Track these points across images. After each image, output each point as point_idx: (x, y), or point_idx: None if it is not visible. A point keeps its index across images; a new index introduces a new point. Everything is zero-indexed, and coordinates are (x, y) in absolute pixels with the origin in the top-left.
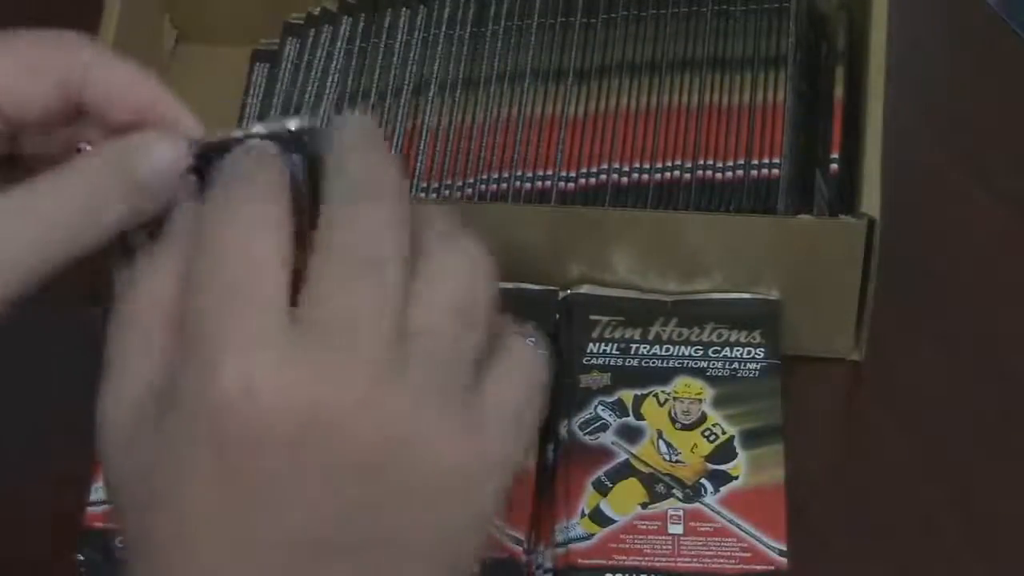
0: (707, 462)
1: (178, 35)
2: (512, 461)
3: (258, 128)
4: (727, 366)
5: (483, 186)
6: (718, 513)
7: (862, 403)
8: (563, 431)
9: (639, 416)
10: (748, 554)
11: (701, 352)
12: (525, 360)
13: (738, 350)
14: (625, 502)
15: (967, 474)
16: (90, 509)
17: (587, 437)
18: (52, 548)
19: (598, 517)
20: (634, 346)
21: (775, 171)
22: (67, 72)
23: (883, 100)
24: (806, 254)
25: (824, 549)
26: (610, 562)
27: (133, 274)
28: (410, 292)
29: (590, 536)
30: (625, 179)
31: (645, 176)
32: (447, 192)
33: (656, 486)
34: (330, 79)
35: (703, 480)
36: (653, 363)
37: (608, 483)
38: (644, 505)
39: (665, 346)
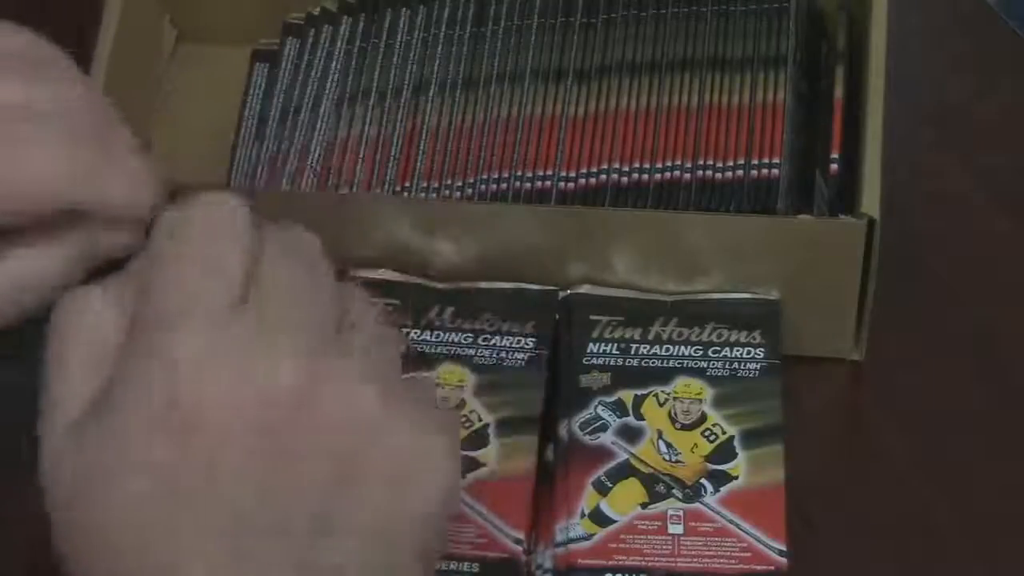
0: (707, 462)
1: (178, 35)
2: (457, 454)
3: None
4: (727, 366)
5: (483, 186)
6: (718, 513)
7: (862, 403)
8: (563, 431)
9: (639, 416)
10: (748, 554)
11: (701, 352)
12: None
13: (738, 350)
14: (625, 502)
15: (967, 474)
16: None
17: (587, 437)
18: None
19: (598, 517)
20: (634, 346)
21: (775, 171)
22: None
23: (883, 100)
24: (806, 254)
25: (824, 549)
26: (610, 562)
27: (68, 302)
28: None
29: (590, 536)
30: (625, 179)
31: (645, 176)
32: (447, 192)
33: (656, 486)
34: (330, 79)
35: (703, 480)
36: (653, 363)
37: (608, 483)
38: (644, 505)
39: (665, 346)
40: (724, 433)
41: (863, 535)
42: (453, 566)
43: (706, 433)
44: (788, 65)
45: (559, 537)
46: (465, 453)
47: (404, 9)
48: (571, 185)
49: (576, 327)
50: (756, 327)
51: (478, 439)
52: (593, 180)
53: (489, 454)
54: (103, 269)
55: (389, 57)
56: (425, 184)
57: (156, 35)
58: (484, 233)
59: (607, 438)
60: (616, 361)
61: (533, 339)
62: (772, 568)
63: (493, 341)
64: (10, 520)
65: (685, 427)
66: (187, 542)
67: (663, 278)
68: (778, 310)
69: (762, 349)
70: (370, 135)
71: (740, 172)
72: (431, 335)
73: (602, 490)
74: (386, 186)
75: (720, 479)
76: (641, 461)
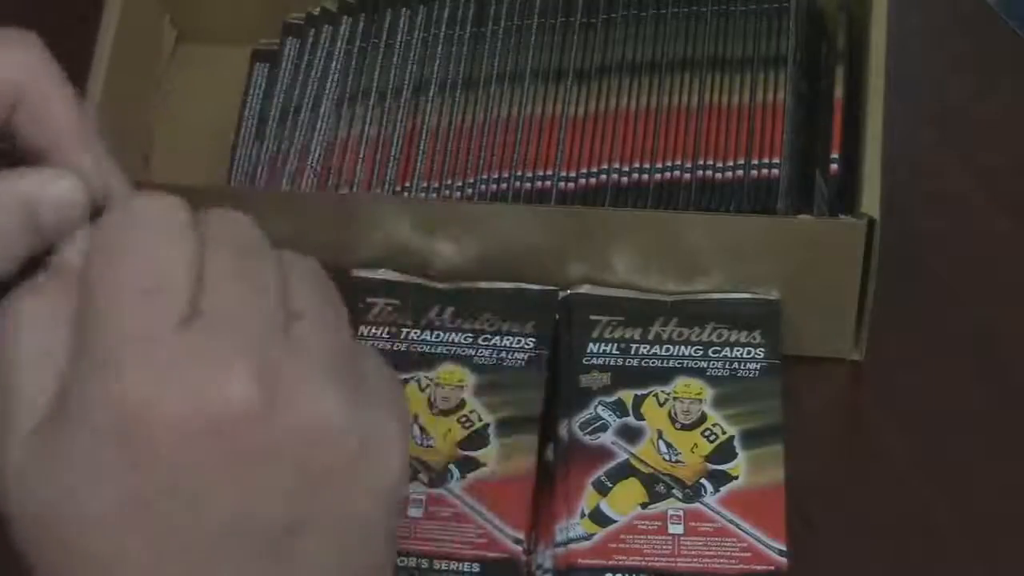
0: (707, 462)
1: (178, 35)
2: (406, 431)
3: None
4: (727, 366)
5: (483, 186)
6: (718, 513)
7: (862, 403)
8: (563, 431)
9: (639, 416)
10: (748, 554)
11: (701, 352)
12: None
13: (738, 350)
14: (625, 502)
15: (967, 474)
16: None
17: (587, 437)
18: None
19: (598, 517)
20: (634, 346)
21: (775, 171)
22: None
23: (883, 100)
24: (806, 254)
25: (824, 549)
26: (610, 562)
27: (13, 310)
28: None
29: (590, 536)
30: (625, 179)
31: (645, 176)
32: (447, 192)
33: (656, 486)
34: (330, 79)
35: (703, 480)
36: (653, 363)
37: (608, 483)
38: (644, 505)
39: (665, 346)
40: (724, 433)
41: (863, 535)
42: (453, 566)
43: (706, 433)
44: (788, 65)
45: (559, 537)
46: (465, 453)
47: (404, 9)
48: (571, 185)
49: (576, 327)
50: (756, 327)
51: (478, 439)
52: (593, 180)
53: (489, 454)
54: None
55: (389, 57)
56: (425, 184)
57: (156, 35)
58: (484, 233)
59: (607, 438)
60: (616, 361)
61: (533, 339)
62: (772, 568)
63: (493, 341)
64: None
65: (685, 427)
66: (152, 558)
67: (663, 278)
68: (778, 310)
69: (762, 349)
70: (370, 135)
71: (740, 172)
72: (431, 335)
73: (602, 490)
74: (386, 186)
75: (720, 479)
76: (641, 461)
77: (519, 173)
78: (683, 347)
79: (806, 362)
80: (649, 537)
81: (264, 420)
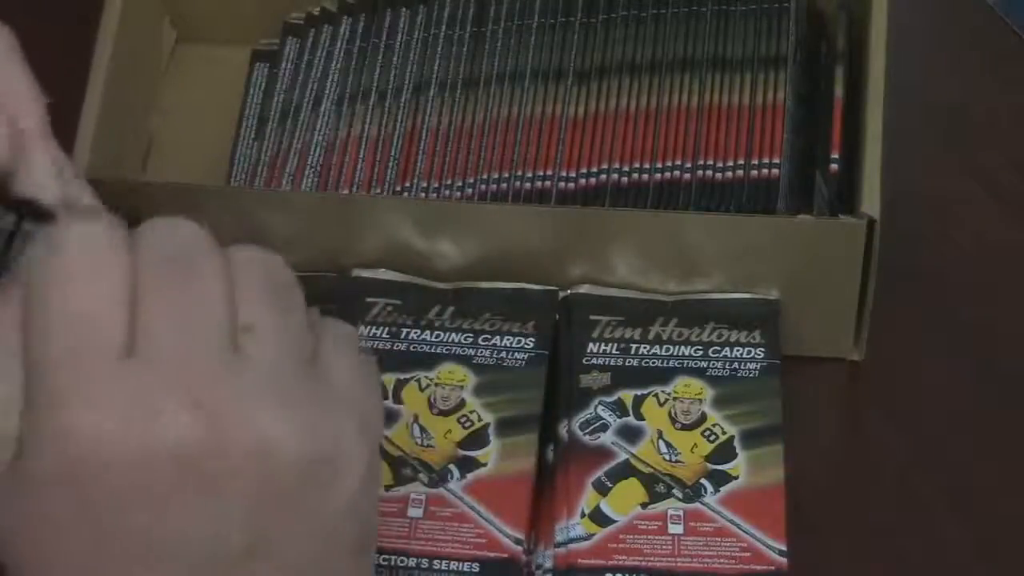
0: (707, 462)
1: (178, 35)
2: (373, 429)
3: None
4: (727, 366)
5: (483, 186)
6: (718, 513)
7: (862, 403)
8: (563, 431)
9: (639, 416)
10: (748, 554)
11: (701, 352)
12: (342, 333)
13: (738, 350)
14: (625, 502)
15: (967, 474)
16: None
17: (587, 437)
18: None
19: (598, 517)
20: (634, 346)
21: (775, 171)
22: None
23: (883, 100)
24: (806, 254)
25: (824, 549)
26: (610, 562)
27: None
28: (231, 290)
29: (590, 536)
30: (625, 179)
31: (645, 176)
32: (447, 192)
33: (656, 486)
34: (330, 79)
35: (703, 480)
36: (653, 363)
37: (608, 483)
38: (644, 505)
39: (665, 346)
40: (724, 433)
41: (863, 535)
42: (453, 566)
43: (706, 433)
44: (788, 65)
45: (559, 537)
46: (465, 453)
47: (404, 9)
48: (571, 185)
49: (576, 327)
50: (756, 327)
51: (478, 439)
52: (593, 180)
53: (489, 454)
54: None
55: (389, 57)
56: (425, 184)
57: (156, 35)
58: (484, 233)
59: (607, 438)
60: (616, 361)
61: (533, 339)
62: (772, 568)
63: (493, 341)
64: None
65: (685, 427)
66: None
67: (663, 278)
68: (778, 310)
69: (762, 349)
70: (370, 135)
71: (740, 172)
72: (431, 335)
73: (602, 490)
74: (386, 186)
75: (720, 479)
76: (641, 461)
77: (519, 173)
78: (683, 347)
79: (806, 362)
80: (649, 537)
81: (208, 449)
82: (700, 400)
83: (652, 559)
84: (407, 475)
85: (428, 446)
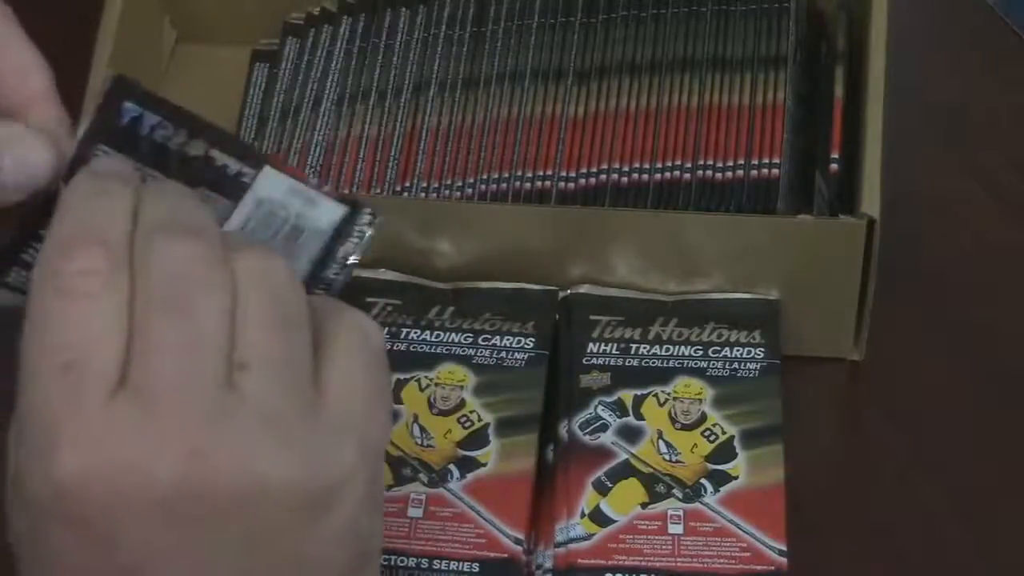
0: (707, 462)
1: (178, 35)
2: (374, 445)
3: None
4: (727, 366)
5: (483, 186)
6: (718, 513)
7: (862, 403)
8: (563, 431)
9: (639, 416)
10: (748, 554)
11: (701, 352)
12: (353, 340)
13: (738, 350)
14: (625, 502)
15: (967, 474)
16: None
17: (587, 437)
18: None
19: (598, 517)
20: (634, 346)
21: (775, 171)
22: None
23: (883, 100)
24: (806, 254)
25: (824, 549)
26: (610, 562)
27: None
28: (231, 319)
29: (590, 536)
30: (625, 179)
31: (645, 176)
32: (447, 192)
33: (656, 486)
34: (330, 79)
35: (703, 480)
36: (653, 363)
37: (608, 483)
38: (644, 505)
39: (665, 346)
40: (724, 433)
41: (863, 535)
42: (453, 566)
43: (706, 433)
44: (788, 65)
45: (559, 537)
46: (465, 453)
47: (404, 9)
48: (571, 185)
49: (576, 327)
50: (756, 327)
51: (478, 439)
52: (593, 180)
53: (489, 454)
54: None
55: (389, 57)
56: (425, 184)
57: (156, 35)
58: (484, 233)
59: (607, 438)
60: (616, 361)
61: (533, 339)
62: (772, 568)
63: (493, 341)
64: None
65: (685, 427)
66: None
67: (663, 278)
68: (778, 310)
69: (762, 349)
70: (370, 135)
71: (740, 172)
72: (431, 335)
73: (602, 490)
74: (386, 186)
75: (720, 479)
76: (641, 461)
77: (519, 173)
78: (683, 347)
79: (806, 362)
80: (649, 537)
81: (200, 491)
82: (700, 400)
83: (652, 559)
84: (407, 475)
85: (428, 446)
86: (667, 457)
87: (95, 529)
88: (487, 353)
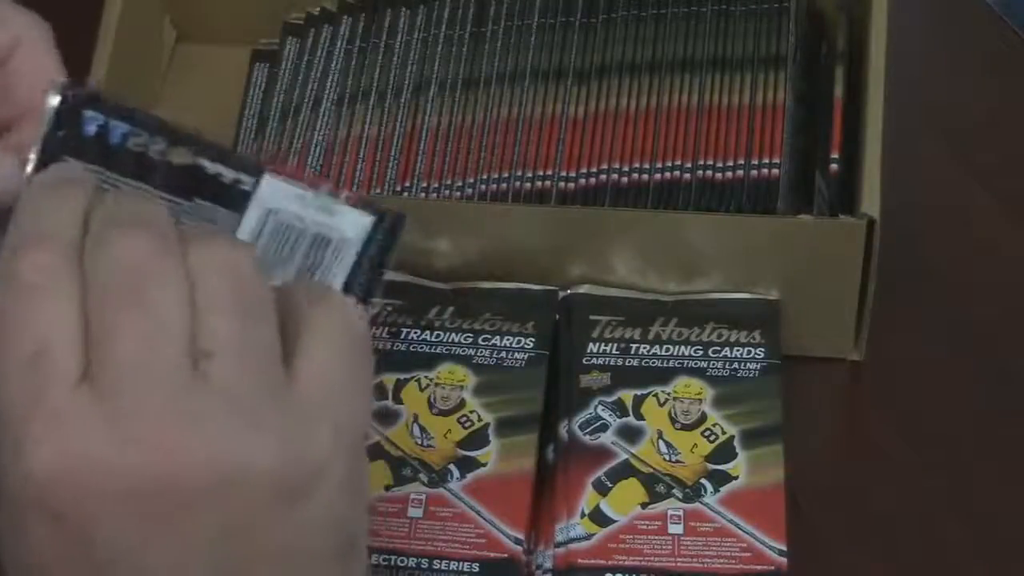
0: (707, 462)
1: (178, 35)
2: (352, 429)
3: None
4: (727, 366)
5: (483, 186)
6: (718, 513)
7: (862, 403)
8: (563, 431)
9: (639, 416)
10: (748, 554)
11: (701, 352)
12: (331, 325)
13: (738, 350)
14: (625, 502)
15: (967, 474)
16: None
17: (587, 437)
18: None
19: (598, 517)
20: (634, 346)
21: (775, 171)
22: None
23: (883, 100)
24: (806, 254)
25: (824, 549)
26: (610, 562)
27: None
28: (191, 308)
29: (590, 536)
30: (625, 179)
31: (645, 176)
32: (447, 192)
33: (656, 486)
34: (330, 79)
35: (703, 480)
36: (653, 363)
37: (608, 483)
38: (644, 505)
39: (665, 346)
40: (724, 433)
41: (863, 535)
42: (453, 566)
43: (706, 433)
44: (788, 65)
45: (559, 537)
46: (465, 453)
47: (404, 9)
48: (571, 185)
49: (576, 327)
50: (756, 327)
51: (478, 439)
52: (593, 180)
53: (489, 454)
54: None
55: (389, 57)
56: (425, 184)
57: (156, 35)
58: (484, 233)
59: (607, 438)
60: (616, 361)
61: (533, 339)
62: (772, 568)
63: (493, 341)
64: None
65: (685, 427)
66: None
67: (663, 278)
68: (778, 310)
69: (762, 349)
70: (370, 135)
71: (740, 172)
72: (431, 335)
73: (602, 490)
74: (386, 186)
75: (720, 479)
76: (641, 461)
77: (519, 173)
78: (683, 347)
79: (806, 362)
80: (649, 537)
81: (168, 482)
82: (700, 400)
83: (652, 559)
84: (407, 475)
85: (428, 446)
86: (667, 457)
87: (70, 524)
88: (487, 353)
